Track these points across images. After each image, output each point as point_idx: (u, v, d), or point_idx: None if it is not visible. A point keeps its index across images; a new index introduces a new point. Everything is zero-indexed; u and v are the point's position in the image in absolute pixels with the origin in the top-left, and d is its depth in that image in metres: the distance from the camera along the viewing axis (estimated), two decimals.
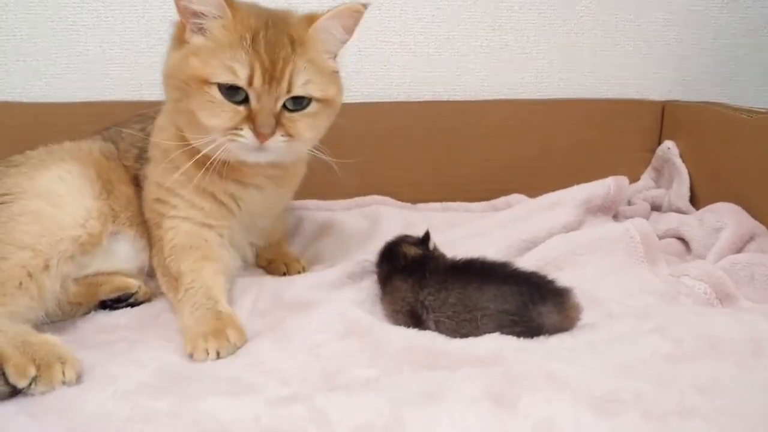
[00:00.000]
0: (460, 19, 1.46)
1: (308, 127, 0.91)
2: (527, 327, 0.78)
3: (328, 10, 0.90)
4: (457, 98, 1.49)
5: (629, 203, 1.39)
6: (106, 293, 0.97)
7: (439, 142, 1.45)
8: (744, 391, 0.68)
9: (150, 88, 1.37)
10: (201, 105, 0.86)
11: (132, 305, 0.98)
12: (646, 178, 1.48)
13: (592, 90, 1.54)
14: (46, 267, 0.86)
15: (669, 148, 1.43)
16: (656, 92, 1.54)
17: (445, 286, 0.83)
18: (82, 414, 0.64)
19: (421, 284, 0.85)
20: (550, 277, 0.84)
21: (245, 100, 0.86)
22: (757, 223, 1.15)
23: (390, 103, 1.46)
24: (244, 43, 0.85)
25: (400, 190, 1.45)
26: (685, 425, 0.62)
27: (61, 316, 0.92)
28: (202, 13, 0.86)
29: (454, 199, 1.47)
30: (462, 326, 0.80)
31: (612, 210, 1.30)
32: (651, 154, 1.48)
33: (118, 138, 1.09)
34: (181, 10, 0.88)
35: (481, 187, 1.46)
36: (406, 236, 0.98)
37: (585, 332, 0.81)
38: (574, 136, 1.47)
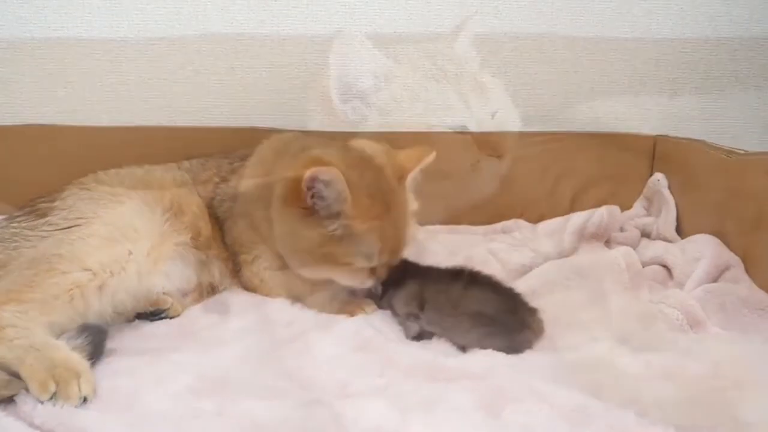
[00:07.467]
0: (470, 58, 1.54)
1: None
2: (498, 329, 0.92)
3: (415, 156, 1.10)
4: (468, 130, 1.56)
5: (622, 230, 1.44)
6: (143, 306, 1.04)
7: (447, 169, 1.50)
8: (701, 409, 0.77)
9: (184, 115, 1.49)
10: (336, 272, 1.04)
11: (163, 319, 1.06)
12: (638, 206, 1.53)
13: (590, 124, 1.59)
14: (100, 289, 0.93)
15: (659, 179, 1.47)
16: (649, 127, 1.60)
17: (440, 286, 1.01)
18: (142, 411, 0.74)
19: (427, 283, 1.03)
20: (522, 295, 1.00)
21: None
22: (732, 254, 1.19)
23: (404, 132, 1.52)
24: (375, 235, 0.99)
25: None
26: None
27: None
28: (326, 197, 0.97)
29: (460, 223, 1.54)
30: (445, 320, 0.96)
31: (604, 237, 1.37)
32: (643, 185, 1.52)
33: (198, 167, 1.23)
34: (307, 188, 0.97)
35: (485, 212, 1.53)
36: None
37: (567, 352, 0.91)
38: (573, 166, 1.54)
